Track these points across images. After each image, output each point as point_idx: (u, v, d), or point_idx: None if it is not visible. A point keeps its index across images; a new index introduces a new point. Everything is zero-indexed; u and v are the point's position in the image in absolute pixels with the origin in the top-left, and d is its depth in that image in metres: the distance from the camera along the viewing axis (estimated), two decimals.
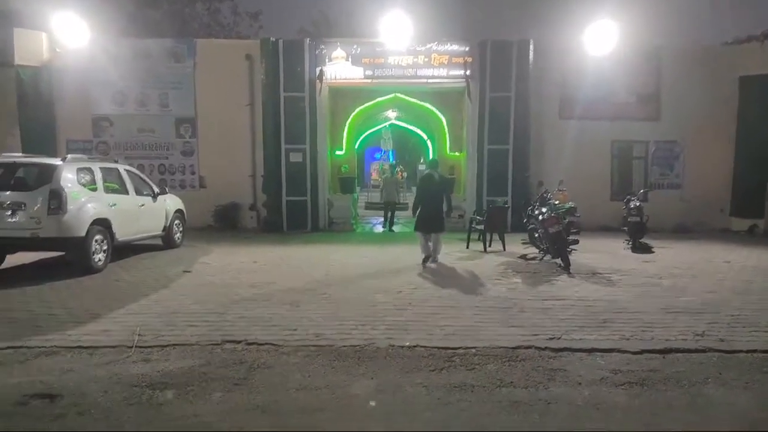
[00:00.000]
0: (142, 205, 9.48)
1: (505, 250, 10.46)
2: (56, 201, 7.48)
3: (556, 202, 10.14)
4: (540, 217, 9.08)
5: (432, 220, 9.03)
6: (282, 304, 6.25)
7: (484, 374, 4.14)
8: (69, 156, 8.46)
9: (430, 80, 14.24)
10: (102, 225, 8.17)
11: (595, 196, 13.95)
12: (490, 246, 10.61)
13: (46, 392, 3.74)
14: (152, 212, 9.83)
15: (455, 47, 14.02)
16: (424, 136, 23.24)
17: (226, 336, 5.02)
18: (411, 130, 23.52)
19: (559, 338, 4.99)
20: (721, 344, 4.86)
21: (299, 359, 4.46)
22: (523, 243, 10.77)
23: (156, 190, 10.07)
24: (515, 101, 13.79)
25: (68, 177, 7.79)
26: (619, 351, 4.67)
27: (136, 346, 4.73)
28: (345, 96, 17.42)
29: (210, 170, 14.21)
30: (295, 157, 13.83)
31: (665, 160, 14.61)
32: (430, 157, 19.87)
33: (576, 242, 9.12)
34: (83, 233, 7.74)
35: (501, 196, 13.56)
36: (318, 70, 13.71)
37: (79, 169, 8.15)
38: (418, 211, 9.18)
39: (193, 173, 14.29)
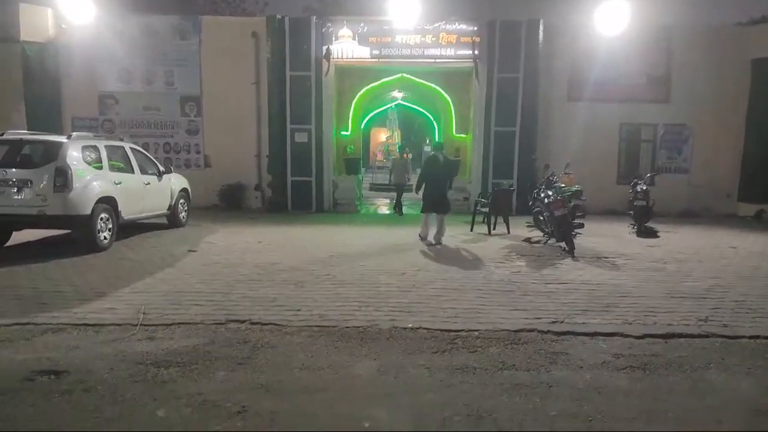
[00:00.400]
0: (147, 183, 9.48)
1: (509, 233, 10.44)
2: (62, 178, 7.50)
3: (562, 185, 10.09)
4: (546, 200, 9.04)
5: (437, 202, 9.19)
6: (286, 284, 6.28)
7: (487, 357, 4.15)
8: (74, 134, 8.45)
9: (437, 60, 14.09)
10: (107, 203, 8.19)
11: (602, 179, 13.87)
12: (494, 229, 10.59)
13: (53, 369, 3.79)
14: (157, 191, 9.84)
15: (464, 27, 13.84)
16: (431, 117, 23.07)
17: (230, 315, 5.05)
18: (417, 111, 23.34)
19: (562, 322, 5.00)
20: (725, 330, 4.86)
21: (303, 339, 4.49)
22: (528, 226, 10.73)
23: (161, 168, 10.06)
24: (523, 82, 13.66)
25: (74, 155, 7.79)
26: (621, 335, 4.68)
27: (141, 325, 4.77)
28: (351, 75, 17.25)
29: (215, 149, 14.20)
30: (301, 137, 13.79)
31: (673, 143, 14.47)
32: (437, 138, 19.74)
33: (581, 226, 9.09)
34: (89, 211, 7.77)
35: (507, 178, 13.50)
36: (324, 49, 13.57)
37: (85, 147, 8.15)
38: (422, 193, 9.32)
39: (198, 152, 14.28)
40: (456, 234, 10.17)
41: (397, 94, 20.62)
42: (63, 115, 13.79)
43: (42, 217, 7.55)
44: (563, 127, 13.96)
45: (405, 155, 15.23)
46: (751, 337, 4.69)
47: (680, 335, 4.70)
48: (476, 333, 4.68)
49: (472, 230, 10.75)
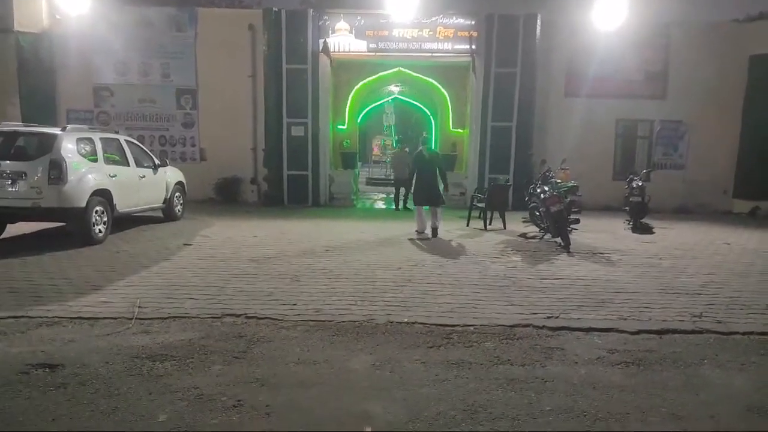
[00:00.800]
0: (143, 176, 9.45)
1: (505, 228, 10.46)
2: (56, 171, 7.45)
3: (558, 181, 10.11)
4: (542, 196, 9.06)
5: (429, 194, 9.36)
6: (282, 278, 6.27)
7: (482, 352, 4.17)
8: (69, 126, 8.39)
9: (434, 54, 14.06)
10: (102, 196, 8.16)
11: (598, 175, 13.90)
12: (490, 224, 10.60)
13: (48, 362, 3.78)
14: (153, 184, 9.80)
15: (461, 21, 13.80)
16: (428, 112, 23.05)
17: (226, 309, 5.04)
18: (414, 105, 23.31)
19: (557, 317, 5.01)
20: (719, 326, 4.88)
21: (298, 333, 4.49)
22: (524, 221, 10.76)
23: (156, 161, 10.02)
24: (520, 77, 13.64)
25: (68, 147, 7.74)
26: (616, 331, 4.70)
27: (136, 318, 4.76)
28: (348, 69, 17.21)
29: (211, 143, 14.14)
30: (297, 131, 13.74)
31: (669, 139, 14.50)
32: (433, 133, 19.75)
33: (577, 221, 9.11)
34: (83, 204, 7.73)
35: (503, 173, 13.52)
36: (322, 42, 13.51)
37: (80, 140, 8.10)
38: (413, 186, 9.69)
39: (193, 145, 14.22)
40: (452, 229, 10.18)
41: (394, 89, 20.58)
42: (58, 108, 13.69)
43: (36, 209, 7.51)
44: (560, 122, 13.97)
45: (404, 148, 15.14)
46: (744, 333, 4.72)
47: (675, 331, 4.73)
48: (472, 328, 4.69)
49: (468, 225, 10.77)
